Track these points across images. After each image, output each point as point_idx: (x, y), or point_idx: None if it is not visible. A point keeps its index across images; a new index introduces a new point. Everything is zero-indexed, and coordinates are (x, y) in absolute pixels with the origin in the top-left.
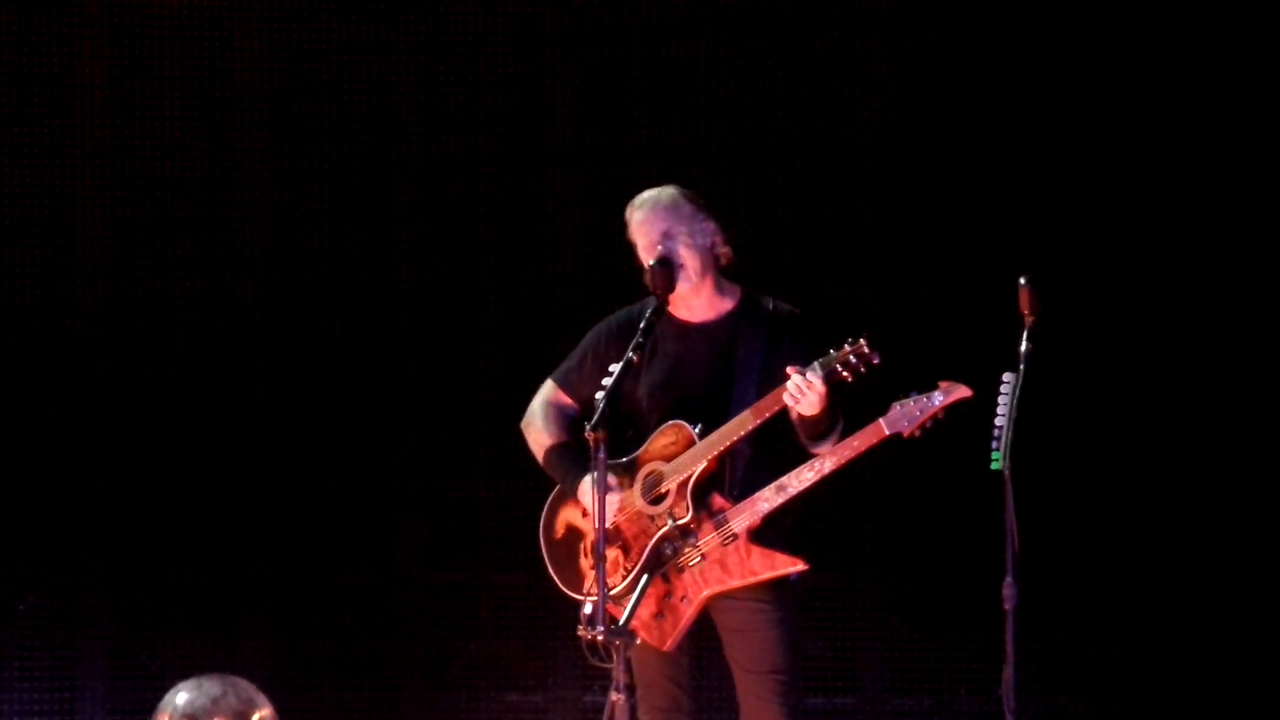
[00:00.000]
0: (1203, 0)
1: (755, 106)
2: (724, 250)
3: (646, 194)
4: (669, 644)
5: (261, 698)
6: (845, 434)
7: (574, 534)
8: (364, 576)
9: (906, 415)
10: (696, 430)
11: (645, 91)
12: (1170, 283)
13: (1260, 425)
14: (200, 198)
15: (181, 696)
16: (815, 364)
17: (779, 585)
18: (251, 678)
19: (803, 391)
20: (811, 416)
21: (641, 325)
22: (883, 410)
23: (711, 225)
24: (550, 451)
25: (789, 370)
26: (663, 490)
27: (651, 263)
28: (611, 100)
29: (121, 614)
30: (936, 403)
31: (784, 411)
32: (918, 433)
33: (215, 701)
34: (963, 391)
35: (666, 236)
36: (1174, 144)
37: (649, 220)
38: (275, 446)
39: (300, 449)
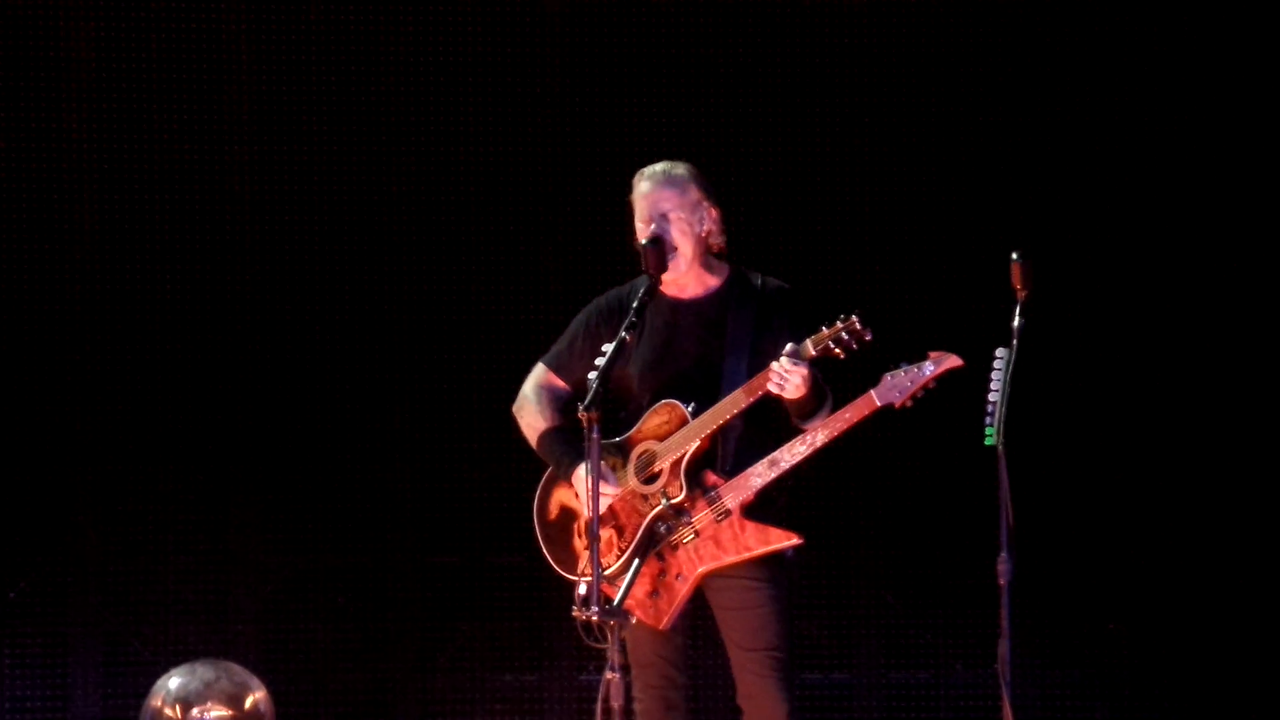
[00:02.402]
0: None
1: (746, 84)
2: (719, 240)
3: (659, 166)
4: (665, 622)
5: (255, 681)
6: (836, 406)
7: (568, 515)
8: (357, 559)
9: (897, 386)
10: (689, 409)
11: (635, 68)
12: (1162, 257)
13: (1253, 400)
14: (186, 182)
15: (175, 681)
16: (805, 342)
17: (774, 562)
18: (245, 662)
19: (784, 379)
20: (797, 399)
21: (634, 305)
22: (873, 382)
23: (715, 214)
24: (544, 435)
25: (785, 351)
26: (656, 469)
27: (644, 242)
28: (601, 78)
29: (114, 600)
30: (927, 373)
31: None
32: (909, 404)
33: (209, 685)
34: (953, 361)
35: (663, 217)
36: (1165, 118)
37: (651, 195)
38: (267, 430)
39: (292, 432)
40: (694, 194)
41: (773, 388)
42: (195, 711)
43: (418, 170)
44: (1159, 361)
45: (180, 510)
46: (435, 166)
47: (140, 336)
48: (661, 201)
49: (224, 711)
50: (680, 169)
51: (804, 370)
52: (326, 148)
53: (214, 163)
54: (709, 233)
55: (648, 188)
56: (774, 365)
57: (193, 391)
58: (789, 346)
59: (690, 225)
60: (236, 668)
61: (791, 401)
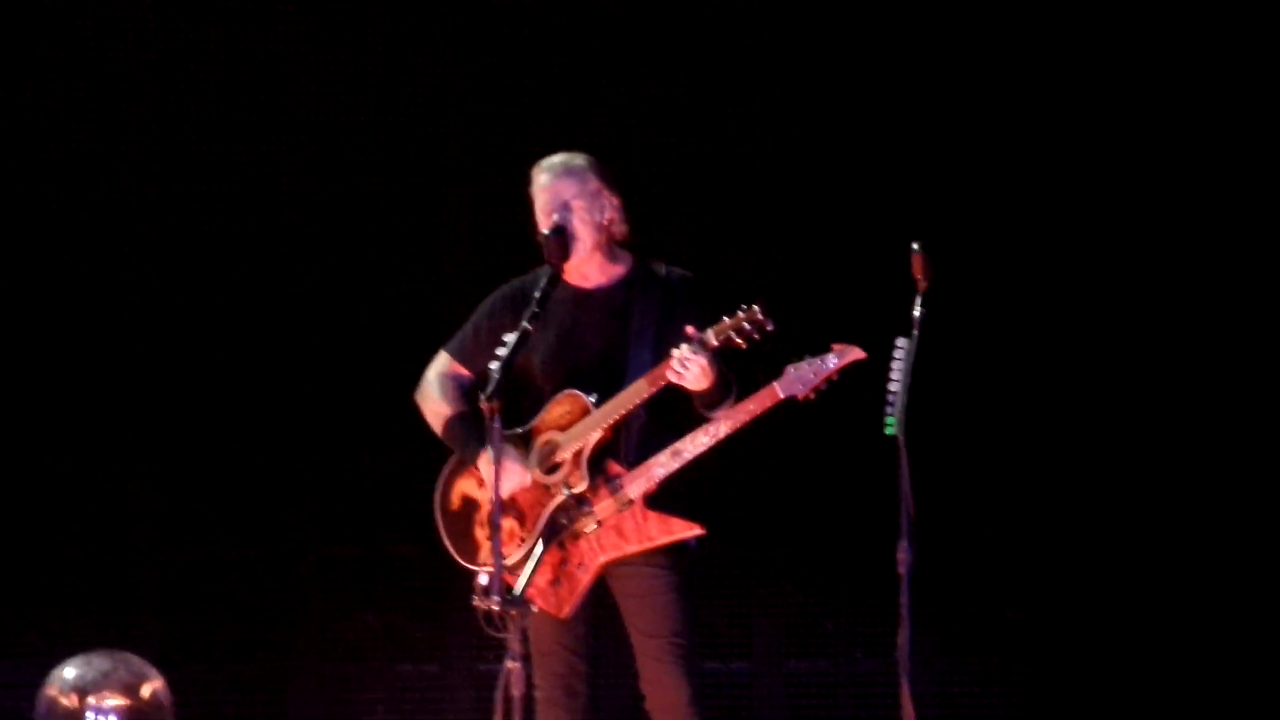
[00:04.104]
0: None
1: (646, 70)
2: (621, 229)
3: (557, 158)
4: (566, 611)
5: (152, 671)
6: (740, 398)
7: (469, 504)
8: (254, 550)
9: (800, 378)
10: (592, 399)
11: (536, 57)
12: (1061, 246)
13: (1150, 387)
14: (84, 173)
15: (70, 671)
16: (707, 331)
17: (676, 550)
18: (142, 653)
19: (684, 367)
20: (701, 389)
21: (537, 295)
22: (776, 374)
23: (615, 202)
24: (449, 422)
25: (688, 330)
26: (558, 460)
27: (546, 232)
28: (502, 67)
29: (9, 591)
30: (830, 365)
31: None
32: (812, 396)
33: (105, 675)
34: (856, 354)
35: (565, 207)
36: (1061, 106)
37: (552, 186)
38: (164, 419)
39: (189, 422)
40: (594, 183)
41: (671, 376)
42: (92, 700)
43: (317, 158)
44: (1058, 351)
45: (77, 501)
46: (336, 153)
47: (31, 324)
48: (562, 192)
49: (120, 700)
50: (579, 159)
51: (703, 360)
52: (229, 133)
53: (113, 151)
54: (610, 221)
55: (547, 179)
56: (674, 353)
57: (88, 380)
58: (689, 333)
59: (591, 214)
60: (133, 658)
61: (695, 391)
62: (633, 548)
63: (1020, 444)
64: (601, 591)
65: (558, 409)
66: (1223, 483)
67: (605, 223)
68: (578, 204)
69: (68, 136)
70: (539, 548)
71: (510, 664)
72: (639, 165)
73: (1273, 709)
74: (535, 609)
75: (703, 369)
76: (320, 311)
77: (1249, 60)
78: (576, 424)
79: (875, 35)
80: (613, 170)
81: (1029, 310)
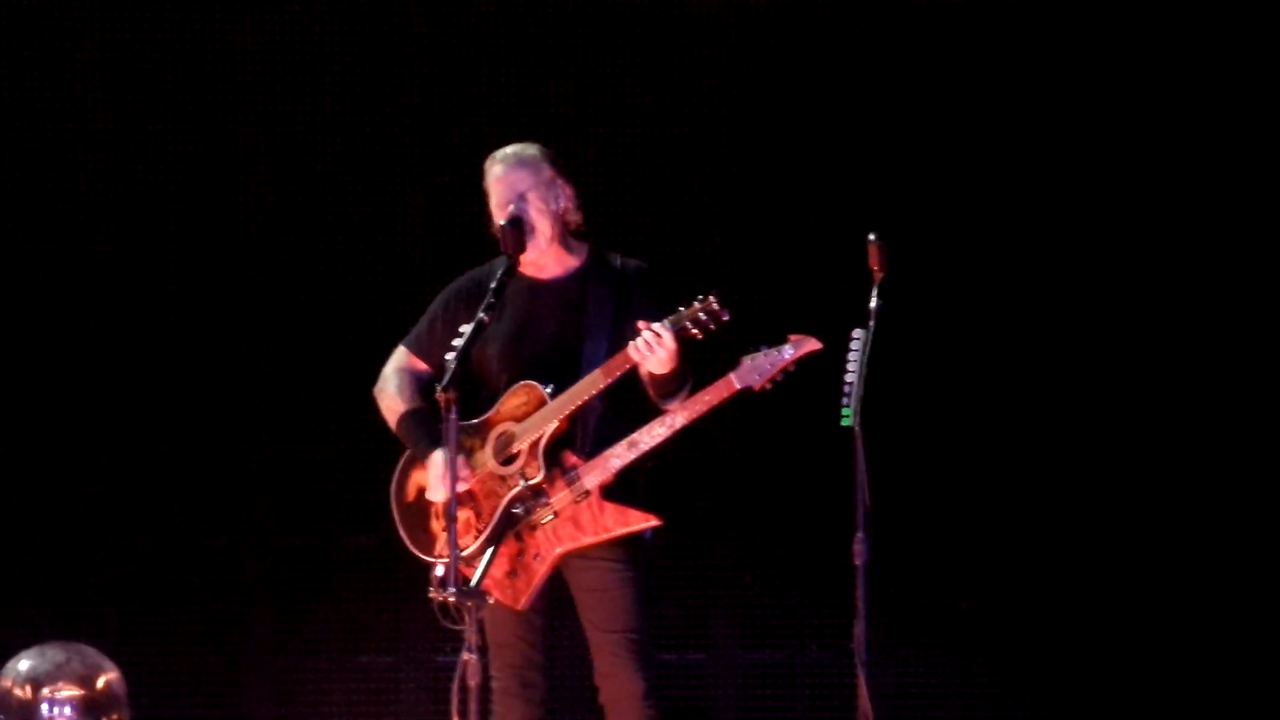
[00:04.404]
0: None
1: (602, 62)
2: (576, 218)
3: (510, 149)
4: (523, 603)
5: (108, 663)
6: (696, 389)
7: (425, 496)
8: (212, 541)
9: (757, 369)
10: (548, 390)
11: (493, 48)
12: (1018, 238)
13: (1105, 380)
14: (34, 165)
15: (25, 663)
16: (665, 321)
17: (632, 544)
18: (98, 645)
19: (651, 347)
20: (661, 374)
21: (493, 286)
22: (733, 365)
23: (569, 191)
24: (403, 418)
25: (640, 325)
26: (514, 451)
27: (502, 223)
28: (459, 60)
29: None
30: (786, 356)
31: (635, 369)
32: (768, 387)
33: (59, 667)
34: (812, 344)
35: (520, 198)
36: (1017, 99)
37: (506, 178)
38: (120, 411)
39: (145, 413)
40: (547, 173)
41: (635, 355)
42: (46, 691)
43: (276, 150)
44: (1014, 343)
45: (32, 492)
46: (292, 146)
47: None
48: (517, 183)
49: (75, 691)
50: (532, 150)
51: (671, 344)
52: (186, 128)
53: (66, 143)
54: (565, 210)
55: (501, 171)
56: (643, 332)
57: (43, 373)
58: (640, 327)
59: (547, 204)
60: (88, 649)
61: (656, 377)
62: (589, 539)
63: (976, 436)
64: (558, 583)
65: (514, 400)
66: (1177, 470)
67: (560, 212)
68: (532, 195)
69: (23, 129)
70: (495, 539)
71: (467, 655)
72: (595, 156)
73: (1230, 697)
74: (492, 601)
75: (671, 352)
76: (278, 304)
77: (1201, 45)
78: (533, 415)
79: (831, 26)
80: (565, 160)
81: (985, 301)
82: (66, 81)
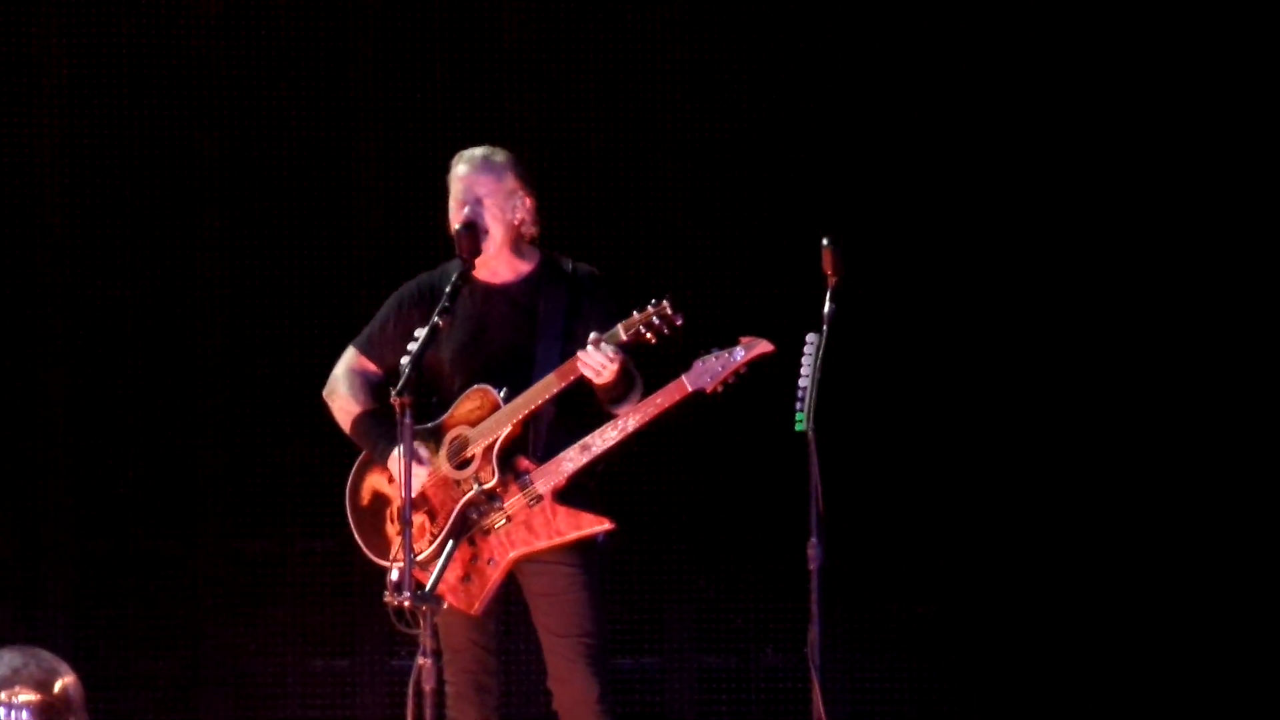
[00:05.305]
0: None
1: (554, 64)
2: (531, 230)
3: (478, 150)
4: (477, 607)
5: (64, 666)
6: (648, 392)
7: (380, 500)
8: (167, 544)
9: (709, 371)
10: (501, 394)
11: (451, 51)
12: (971, 241)
13: (1060, 383)
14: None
15: None
16: (617, 327)
17: (585, 548)
18: (54, 648)
19: (603, 366)
20: (606, 384)
21: (448, 290)
22: (685, 367)
23: (529, 203)
24: (357, 420)
25: (590, 339)
26: (468, 455)
27: (458, 226)
28: (416, 60)
29: None
30: (738, 358)
31: None
32: (720, 389)
33: (16, 671)
34: (764, 346)
35: (478, 201)
36: (973, 100)
37: (469, 179)
38: (75, 413)
39: (100, 415)
40: (510, 182)
41: (588, 373)
42: (3, 696)
43: (231, 150)
44: (968, 346)
45: None
46: (245, 143)
47: None
48: (476, 186)
49: (32, 696)
50: (499, 156)
51: (620, 358)
52: (139, 124)
53: (18, 139)
54: (522, 221)
55: (464, 170)
56: (591, 354)
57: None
58: (592, 339)
59: (504, 212)
60: (44, 653)
61: (601, 387)
62: (542, 543)
63: (930, 439)
64: (513, 587)
65: (467, 404)
66: (1138, 469)
67: (516, 222)
68: (489, 200)
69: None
70: (450, 543)
71: (422, 660)
72: (547, 159)
73: (1184, 696)
74: (446, 605)
75: (617, 368)
76: (233, 305)
77: (1171, 38)
78: (486, 419)
79: (786, 28)
80: (532, 171)
81: (939, 305)
82: (27, 80)
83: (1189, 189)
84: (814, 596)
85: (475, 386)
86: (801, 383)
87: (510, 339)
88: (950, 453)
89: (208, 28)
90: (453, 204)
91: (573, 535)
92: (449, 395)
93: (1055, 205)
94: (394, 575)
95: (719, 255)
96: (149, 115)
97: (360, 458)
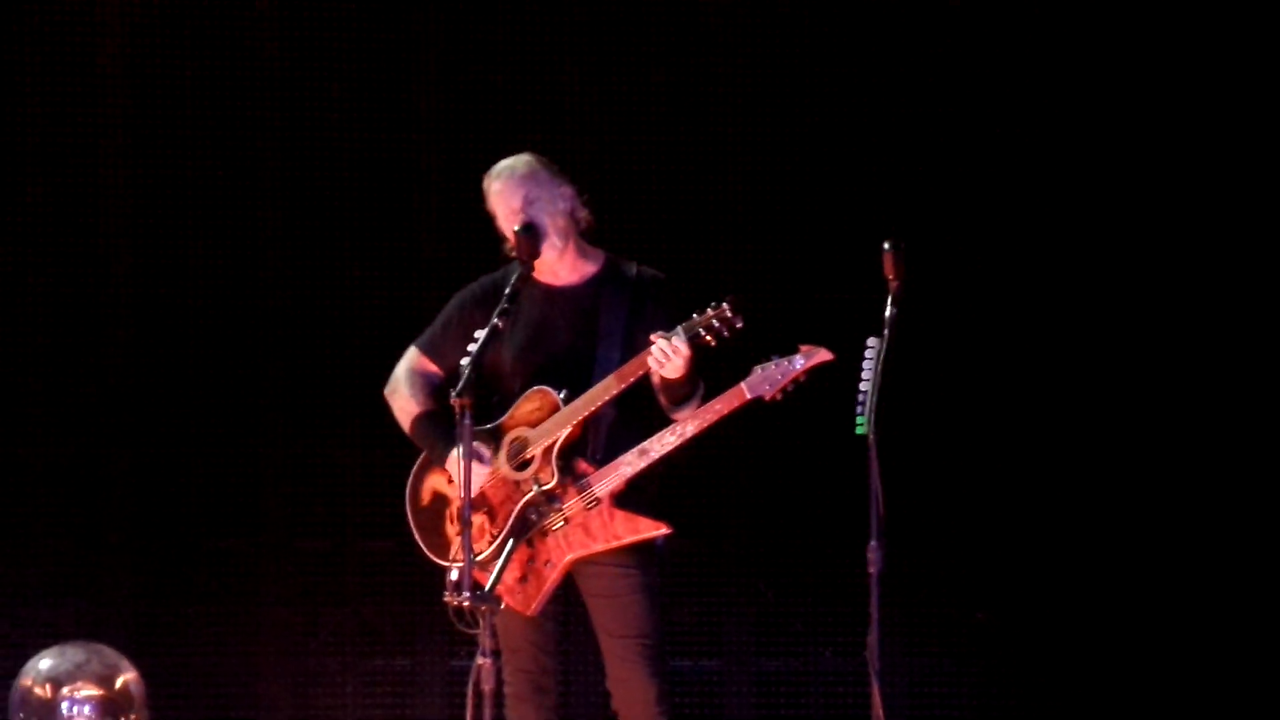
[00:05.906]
0: None
1: (616, 69)
2: (583, 214)
3: (503, 164)
4: (533, 609)
5: (125, 663)
6: (707, 398)
7: (440, 500)
8: (229, 543)
9: (768, 379)
10: (561, 396)
11: (506, 57)
12: (1032, 245)
13: (1122, 391)
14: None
15: (45, 663)
16: (679, 328)
17: (643, 550)
18: (116, 645)
19: (668, 356)
20: (674, 380)
21: (508, 291)
22: (744, 374)
23: (569, 190)
24: (417, 420)
25: (653, 336)
26: (528, 456)
27: (516, 229)
28: (472, 68)
29: None
30: (798, 366)
31: (646, 376)
32: (779, 396)
33: (79, 667)
34: (823, 355)
35: (528, 203)
36: (1035, 106)
37: (508, 189)
38: (140, 412)
39: (165, 415)
40: (544, 175)
41: (653, 364)
42: (66, 691)
43: (290, 151)
44: (1029, 351)
45: (53, 493)
46: (307, 146)
47: (9, 317)
48: (519, 190)
49: (94, 691)
50: (524, 158)
51: (686, 351)
52: (200, 130)
53: (78, 155)
54: (572, 208)
55: (500, 185)
56: (659, 342)
57: (65, 374)
58: (653, 339)
59: (553, 204)
60: (107, 649)
61: (667, 383)
62: (599, 546)
63: (991, 444)
64: (572, 588)
65: (527, 405)
66: (1196, 480)
67: (569, 210)
68: (538, 196)
69: (43, 128)
70: (509, 544)
71: (481, 660)
72: (610, 164)
73: (1238, 706)
74: (504, 605)
75: (685, 359)
76: (296, 306)
77: (1217, 51)
78: (546, 420)
79: (849, 33)
80: (578, 167)
81: (1002, 309)
82: (86, 81)
83: (1255, 197)
84: (873, 600)
85: (535, 388)
86: (862, 386)
87: (571, 341)
88: (1011, 457)
89: (267, 27)
90: (501, 222)
91: (629, 539)
92: (509, 396)
93: (1120, 211)
94: (454, 575)
95: (780, 259)
96: (211, 118)
97: (420, 458)
